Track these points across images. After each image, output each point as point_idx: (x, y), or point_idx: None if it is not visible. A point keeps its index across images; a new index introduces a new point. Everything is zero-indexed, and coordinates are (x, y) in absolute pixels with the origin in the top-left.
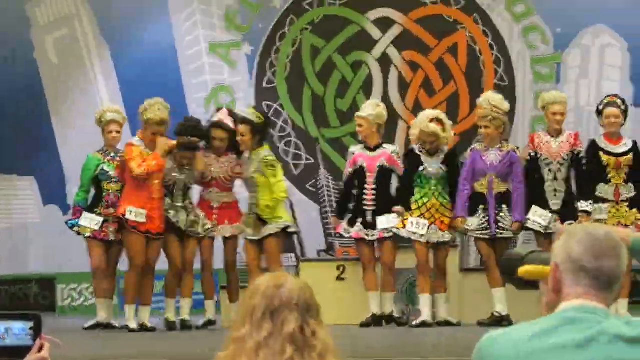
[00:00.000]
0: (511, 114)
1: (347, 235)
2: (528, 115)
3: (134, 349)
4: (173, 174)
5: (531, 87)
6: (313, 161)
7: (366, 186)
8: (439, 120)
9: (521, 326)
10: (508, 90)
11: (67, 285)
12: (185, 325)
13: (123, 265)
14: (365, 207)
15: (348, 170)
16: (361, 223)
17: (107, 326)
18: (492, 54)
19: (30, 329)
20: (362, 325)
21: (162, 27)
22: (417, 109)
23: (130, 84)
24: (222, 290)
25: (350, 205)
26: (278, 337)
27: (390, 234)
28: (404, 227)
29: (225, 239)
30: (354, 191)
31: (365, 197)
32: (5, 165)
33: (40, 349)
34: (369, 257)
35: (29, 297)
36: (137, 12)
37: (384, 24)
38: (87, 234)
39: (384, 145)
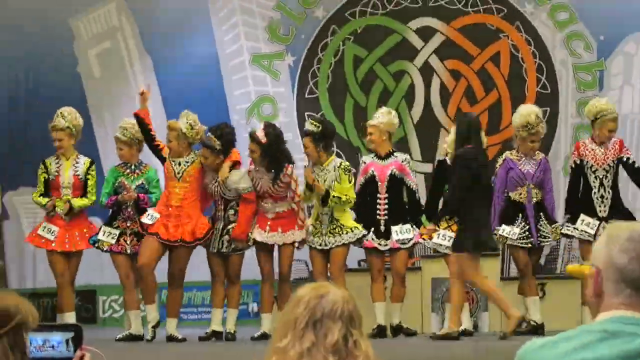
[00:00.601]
0: (553, 121)
1: (358, 246)
2: (570, 123)
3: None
4: (208, 185)
5: (574, 95)
6: (354, 171)
7: (379, 195)
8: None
9: (561, 338)
10: (551, 98)
11: (107, 297)
12: (230, 337)
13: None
14: (378, 217)
15: (360, 179)
16: (374, 232)
17: (138, 338)
18: (535, 61)
19: (71, 340)
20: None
21: (205, 38)
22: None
23: (173, 95)
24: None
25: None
26: (320, 348)
27: (406, 245)
28: (431, 238)
29: (279, 248)
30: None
31: (378, 206)
32: None
33: (81, 359)
34: (378, 267)
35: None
36: (180, 24)
37: (426, 33)
38: (105, 249)
39: (395, 154)
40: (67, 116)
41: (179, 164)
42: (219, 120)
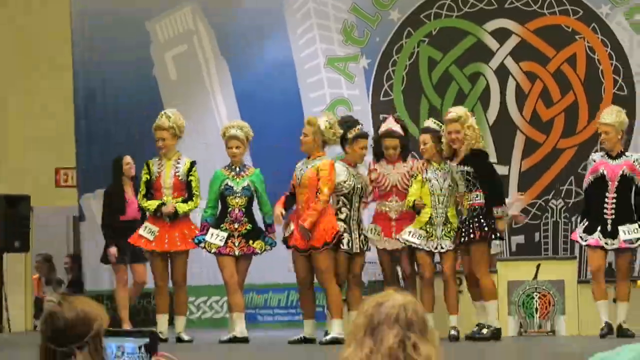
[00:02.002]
0: (631, 123)
1: (583, 243)
2: None
3: None
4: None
5: None
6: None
7: (607, 194)
8: None
9: (625, 348)
10: (628, 100)
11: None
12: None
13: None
14: (606, 216)
15: (589, 177)
16: (600, 231)
17: (244, 340)
18: (611, 63)
19: (144, 346)
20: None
21: (280, 42)
22: (534, 119)
23: (248, 99)
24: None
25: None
26: (377, 354)
27: (633, 245)
28: None
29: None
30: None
31: (605, 205)
32: None
33: None
34: (598, 265)
35: (148, 312)
36: (256, 28)
37: (501, 35)
38: (213, 250)
39: (626, 154)
40: (172, 116)
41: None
42: (292, 124)
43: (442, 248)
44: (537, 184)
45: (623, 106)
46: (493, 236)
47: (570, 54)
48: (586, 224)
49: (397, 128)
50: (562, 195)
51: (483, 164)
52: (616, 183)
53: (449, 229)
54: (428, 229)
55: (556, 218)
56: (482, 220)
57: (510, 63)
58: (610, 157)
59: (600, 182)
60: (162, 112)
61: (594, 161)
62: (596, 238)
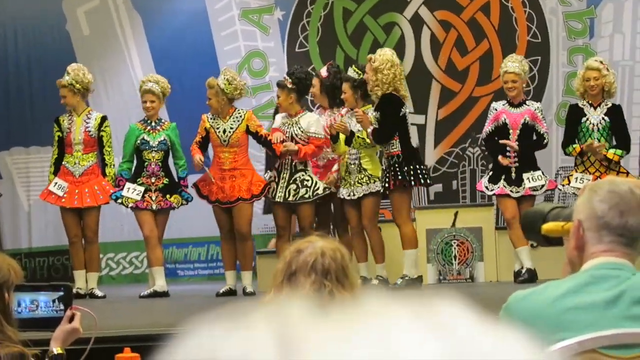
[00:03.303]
0: (545, 70)
1: (489, 193)
2: (562, 72)
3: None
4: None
5: (565, 44)
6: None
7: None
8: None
9: (550, 284)
10: (542, 47)
11: (104, 255)
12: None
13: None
14: (509, 164)
15: (489, 126)
16: (505, 180)
17: (165, 294)
18: (525, 11)
19: (59, 299)
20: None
21: None
22: (450, 68)
23: (163, 52)
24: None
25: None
26: None
27: (537, 192)
28: (569, 183)
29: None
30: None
31: (508, 154)
32: (43, 139)
33: (71, 319)
34: (513, 213)
35: (68, 269)
36: None
37: None
38: (130, 205)
39: (527, 102)
40: (71, 72)
41: (224, 131)
42: (208, 76)
43: (353, 195)
44: (453, 133)
45: (537, 53)
46: (412, 184)
47: (484, 2)
48: (490, 173)
49: (322, 71)
50: (479, 143)
51: (387, 109)
52: (518, 131)
53: (362, 176)
54: (345, 177)
55: (473, 166)
56: (397, 169)
57: (424, 12)
58: (512, 105)
59: (502, 130)
60: (67, 68)
61: (495, 110)
62: (501, 187)
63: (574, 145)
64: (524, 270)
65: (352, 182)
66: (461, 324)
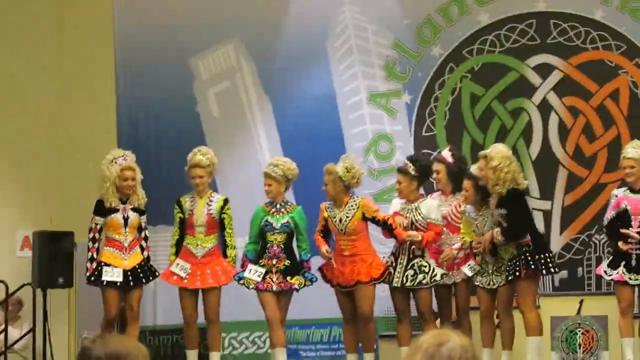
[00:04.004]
0: None
1: (607, 278)
2: None
3: None
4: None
5: None
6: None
7: (631, 229)
8: None
9: None
10: None
11: (227, 334)
12: None
13: None
14: (630, 250)
15: (611, 213)
16: (624, 266)
17: None
18: None
19: None
20: None
21: (322, 78)
22: (577, 154)
23: (291, 135)
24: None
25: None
26: None
27: None
28: None
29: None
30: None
31: (630, 240)
32: (169, 219)
33: None
34: (628, 302)
35: (181, 347)
36: (297, 64)
37: (544, 70)
38: (251, 286)
39: None
40: (207, 154)
41: (340, 220)
42: (335, 160)
43: (493, 284)
44: (579, 219)
45: None
46: (543, 273)
47: (613, 88)
48: (610, 258)
49: (447, 156)
50: (603, 230)
51: (515, 206)
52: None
53: (500, 265)
54: (482, 265)
55: (599, 253)
56: (528, 258)
57: (552, 98)
58: (632, 191)
59: (623, 216)
60: (197, 150)
61: (616, 196)
62: (620, 273)
63: None
64: None
65: (490, 272)
66: None
